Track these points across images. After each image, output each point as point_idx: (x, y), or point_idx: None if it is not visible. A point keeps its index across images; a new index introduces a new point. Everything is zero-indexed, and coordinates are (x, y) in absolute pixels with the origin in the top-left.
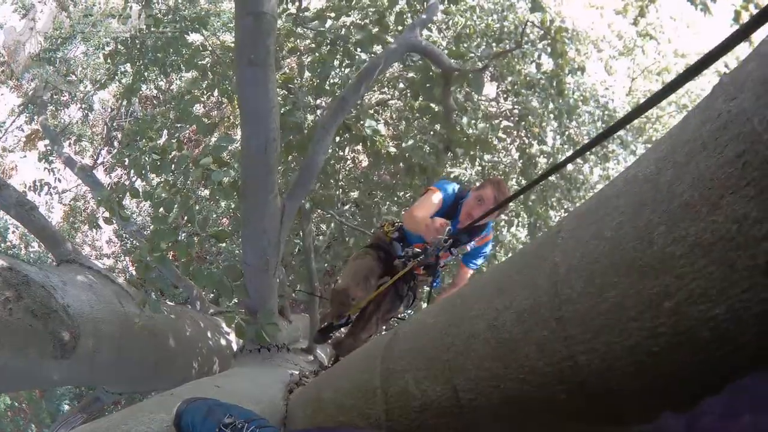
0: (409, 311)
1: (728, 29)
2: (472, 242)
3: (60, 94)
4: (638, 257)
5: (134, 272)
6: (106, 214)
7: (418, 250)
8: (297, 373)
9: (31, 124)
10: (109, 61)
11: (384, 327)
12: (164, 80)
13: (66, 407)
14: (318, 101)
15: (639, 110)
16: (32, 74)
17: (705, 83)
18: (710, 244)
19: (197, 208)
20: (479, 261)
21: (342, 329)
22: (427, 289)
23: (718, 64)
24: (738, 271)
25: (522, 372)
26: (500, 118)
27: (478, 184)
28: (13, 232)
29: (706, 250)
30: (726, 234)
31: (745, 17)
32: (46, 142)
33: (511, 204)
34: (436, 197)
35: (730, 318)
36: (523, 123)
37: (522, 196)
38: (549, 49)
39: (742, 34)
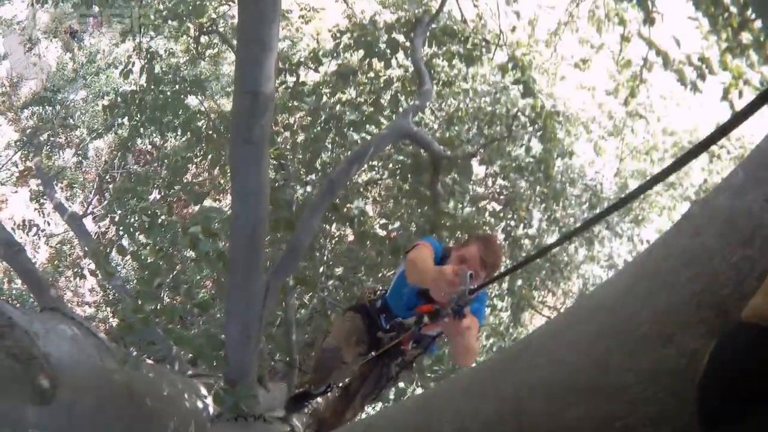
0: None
1: (718, 105)
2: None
3: (57, 136)
4: (595, 382)
5: (115, 324)
6: (92, 265)
7: (411, 319)
8: None
9: (25, 161)
10: (107, 112)
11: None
12: (159, 138)
13: None
14: (308, 177)
15: (628, 198)
16: (31, 111)
17: (693, 162)
18: (661, 375)
19: (180, 267)
20: (483, 311)
21: (318, 399)
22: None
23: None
24: (683, 399)
25: None
26: (488, 200)
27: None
28: None
29: (656, 380)
30: (676, 367)
31: (734, 94)
32: (39, 181)
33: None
34: (428, 252)
35: None
36: (509, 206)
37: (508, 280)
38: (539, 134)
39: (734, 123)
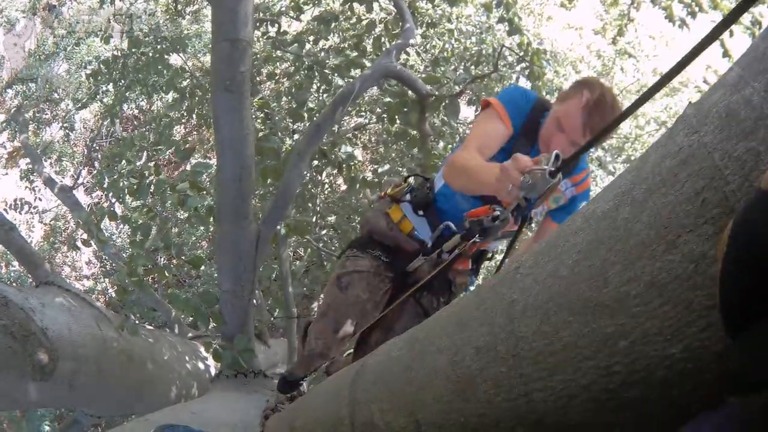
0: None
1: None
2: (570, 185)
3: (42, 112)
4: (592, 297)
5: (114, 294)
6: (85, 236)
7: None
8: (273, 399)
9: (13, 141)
10: (90, 80)
11: None
12: (146, 101)
13: (47, 428)
14: (295, 125)
15: (615, 122)
16: (15, 90)
17: (684, 100)
18: (666, 284)
19: (176, 230)
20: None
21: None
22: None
23: (698, 77)
24: (695, 310)
25: (481, 407)
26: None
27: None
28: None
29: (661, 290)
30: (682, 274)
31: (725, 33)
32: (28, 160)
33: None
34: (496, 121)
35: (688, 357)
36: None
37: None
38: (527, 72)
39: (709, 38)
